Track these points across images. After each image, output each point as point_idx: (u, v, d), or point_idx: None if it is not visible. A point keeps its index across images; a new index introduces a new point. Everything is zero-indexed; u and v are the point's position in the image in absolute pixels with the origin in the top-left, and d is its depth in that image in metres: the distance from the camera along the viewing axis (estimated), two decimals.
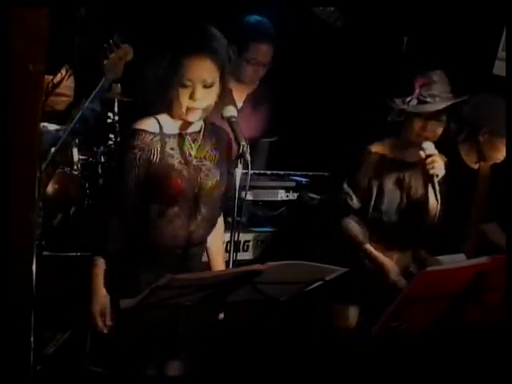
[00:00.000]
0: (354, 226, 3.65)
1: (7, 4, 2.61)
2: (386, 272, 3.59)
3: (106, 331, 3.13)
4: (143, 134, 3.13)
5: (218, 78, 3.15)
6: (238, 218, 3.08)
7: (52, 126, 4.14)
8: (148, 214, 3.17)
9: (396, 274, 3.59)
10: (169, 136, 3.18)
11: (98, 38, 3.90)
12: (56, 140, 3.83)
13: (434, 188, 3.52)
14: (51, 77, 4.04)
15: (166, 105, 3.17)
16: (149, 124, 3.16)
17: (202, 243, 3.30)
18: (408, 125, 3.59)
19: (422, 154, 3.56)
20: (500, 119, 3.59)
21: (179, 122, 3.20)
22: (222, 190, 3.28)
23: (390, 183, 3.66)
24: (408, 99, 3.57)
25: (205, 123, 3.26)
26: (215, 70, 3.14)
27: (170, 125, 3.20)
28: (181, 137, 3.20)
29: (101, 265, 3.14)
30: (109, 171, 3.75)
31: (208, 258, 3.42)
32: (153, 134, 3.14)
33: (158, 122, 3.17)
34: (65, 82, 4.15)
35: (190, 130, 3.23)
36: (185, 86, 3.10)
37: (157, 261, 3.16)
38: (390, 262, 3.61)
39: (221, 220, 3.44)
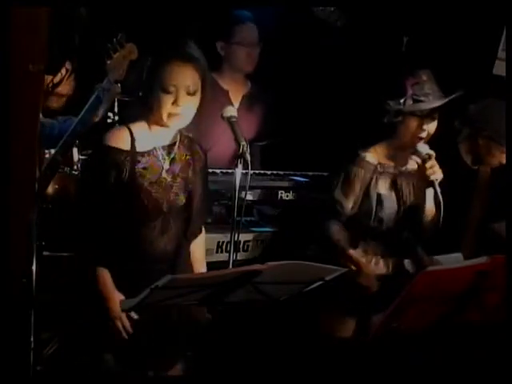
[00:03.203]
0: (338, 230, 3.64)
1: (7, 4, 2.61)
2: (362, 275, 3.57)
3: (126, 334, 3.11)
4: (115, 152, 3.12)
5: (199, 88, 3.14)
6: (238, 218, 3.08)
7: None
8: (122, 229, 3.16)
9: (371, 279, 3.57)
10: (142, 154, 3.16)
11: (99, 37, 3.89)
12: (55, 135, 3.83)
13: (435, 191, 3.50)
14: (51, 77, 4.03)
15: (146, 111, 3.15)
16: (121, 140, 3.14)
17: (177, 257, 3.27)
18: (404, 125, 3.58)
19: (417, 158, 3.56)
20: (500, 125, 3.59)
21: (155, 133, 3.18)
22: (194, 207, 3.25)
23: (385, 191, 3.66)
24: (402, 100, 3.57)
25: (180, 136, 3.24)
26: (198, 79, 3.13)
27: (146, 138, 3.17)
28: (154, 153, 3.18)
29: (105, 273, 3.13)
30: (80, 185, 3.74)
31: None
32: (125, 152, 3.12)
33: (131, 136, 3.14)
34: (65, 82, 4.14)
35: (165, 142, 3.21)
36: (168, 92, 3.08)
37: (133, 275, 3.14)
38: (368, 268, 3.59)
39: (201, 236, 3.41)
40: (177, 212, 3.21)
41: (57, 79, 4.02)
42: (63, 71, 4.06)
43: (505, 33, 4.69)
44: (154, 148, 3.19)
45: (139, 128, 3.17)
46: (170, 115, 3.11)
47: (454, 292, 2.93)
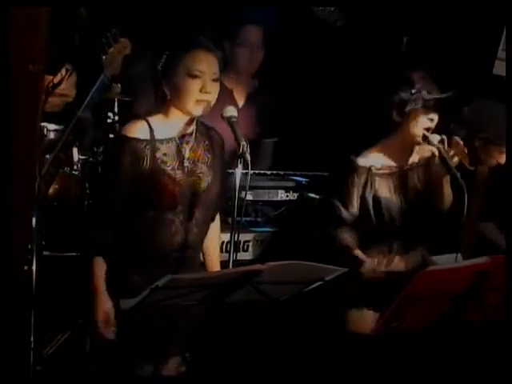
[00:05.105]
0: (345, 236, 3.64)
1: (7, 4, 2.61)
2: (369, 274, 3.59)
3: (109, 336, 3.11)
4: (134, 142, 3.11)
5: (219, 78, 3.17)
6: (238, 218, 3.08)
7: (52, 126, 4.13)
8: (142, 219, 3.16)
9: (370, 269, 3.58)
10: (161, 141, 3.15)
11: (97, 35, 3.90)
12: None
13: (455, 176, 3.51)
14: (51, 77, 4.03)
15: (162, 103, 3.15)
16: (139, 130, 3.14)
17: (196, 246, 3.28)
18: (411, 118, 3.57)
19: (432, 148, 3.56)
20: (498, 127, 3.60)
21: (173, 123, 3.18)
22: (215, 192, 3.26)
23: (384, 192, 3.65)
24: (414, 90, 3.58)
25: (197, 125, 3.25)
26: (218, 68, 3.15)
27: (163, 128, 3.17)
28: (174, 141, 3.19)
29: (101, 265, 3.14)
30: (101, 176, 3.74)
31: (203, 257, 3.41)
32: (144, 141, 3.12)
33: (150, 127, 3.14)
34: (65, 82, 4.15)
35: (183, 132, 3.21)
36: (194, 77, 3.09)
37: (152, 264, 3.15)
38: (369, 263, 3.60)
39: (217, 220, 3.42)
40: (200, 197, 3.21)
41: (57, 79, 4.02)
42: (63, 71, 4.07)
43: (505, 33, 4.69)
44: (172, 137, 3.19)
45: (156, 119, 3.18)
46: (197, 102, 3.11)
47: (454, 292, 2.93)
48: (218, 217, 3.42)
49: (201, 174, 3.22)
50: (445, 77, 3.66)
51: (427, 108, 3.57)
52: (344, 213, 3.62)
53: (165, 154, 3.16)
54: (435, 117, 3.59)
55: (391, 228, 3.64)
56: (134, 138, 3.12)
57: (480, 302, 2.97)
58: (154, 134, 3.15)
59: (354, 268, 3.50)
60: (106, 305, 3.11)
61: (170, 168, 3.15)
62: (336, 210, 3.63)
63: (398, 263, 3.67)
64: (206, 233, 3.32)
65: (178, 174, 3.17)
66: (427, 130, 3.58)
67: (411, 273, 3.58)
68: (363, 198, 3.63)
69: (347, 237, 3.63)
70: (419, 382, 3.45)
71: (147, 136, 3.14)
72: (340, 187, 3.66)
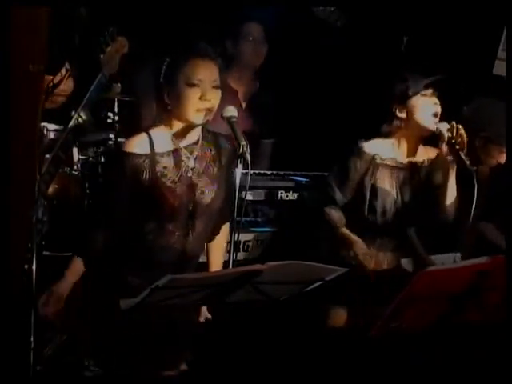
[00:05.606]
0: (332, 212, 3.65)
1: (7, 4, 2.61)
2: (354, 250, 3.59)
3: (50, 317, 3.14)
4: (132, 158, 3.10)
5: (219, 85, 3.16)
6: (238, 218, 3.08)
7: (52, 126, 4.13)
8: (142, 230, 3.16)
9: (364, 252, 3.59)
10: (161, 155, 3.14)
11: (97, 35, 3.90)
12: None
13: (464, 162, 3.51)
14: (51, 77, 4.03)
15: (164, 113, 3.15)
16: (138, 145, 3.13)
17: (195, 258, 3.28)
18: (417, 106, 3.60)
19: (444, 131, 3.56)
20: (499, 125, 3.60)
21: (176, 135, 3.17)
22: (219, 204, 3.25)
23: (384, 183, 3.66)
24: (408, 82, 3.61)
25: (202, 133, 3.23)
26: (218, 75, 3.14)
27: (164, 140, 3.16)
28: (176, 153, 3.17)
29: (78, 266, 3.15)
30: (99, 189, 3.77)
31: (206, 257, 3.41)
32: (143, 155, 3.11)
33: (150, 140, 3.13)
34: (65, 82, 4.14)
35: (187, 142, 3.19)
36: (194, 85, 3.08)
37: (150, 274, 3.14)
38: (360, 243, 3.61)
39: (225, 230, 3.40)
40: (203, 210, 3.20)
41: (57, 79, 4.02)
42: (63, 71, 4.07)
43: (505, 33, 4.69)
44: (176, 148, 3.18)
45: (158, 131, 3.17)
46: (198, 111, 3.10)
47: (454, 292, 2.93)
48: (226, 228, 3.39)
49: (204, 188, 3.21)
50: (444, 76, 3.67)
51: (428, 90, 3.59)
52: (338, 195, 3.63)
53: (165, 167, 3.14)
54: (438, 101, 3.60)
55: (385, 222, 3.64)
56: (133, 153, 3.11)
57: (480, 302, 2.97)
58: (155, 147, 3.14)
59: (353, 268, 3.51)
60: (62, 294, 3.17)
61: (169, 181, 3.14)
62: (329, 191, 3.64)
63: (383, 258, 3.68)
64: (203, 246, 3.32)
65: (179, 187, 3.15)
66: (435, 115, 3.59)
67: (397, 269, 3.63)
68: (362, 186, 3.63)
69: (335, 215, 3.64)
70: (419, 381, 3.45)
71: (147, 150, 3.13)
72: (340, 169, 3.66)
